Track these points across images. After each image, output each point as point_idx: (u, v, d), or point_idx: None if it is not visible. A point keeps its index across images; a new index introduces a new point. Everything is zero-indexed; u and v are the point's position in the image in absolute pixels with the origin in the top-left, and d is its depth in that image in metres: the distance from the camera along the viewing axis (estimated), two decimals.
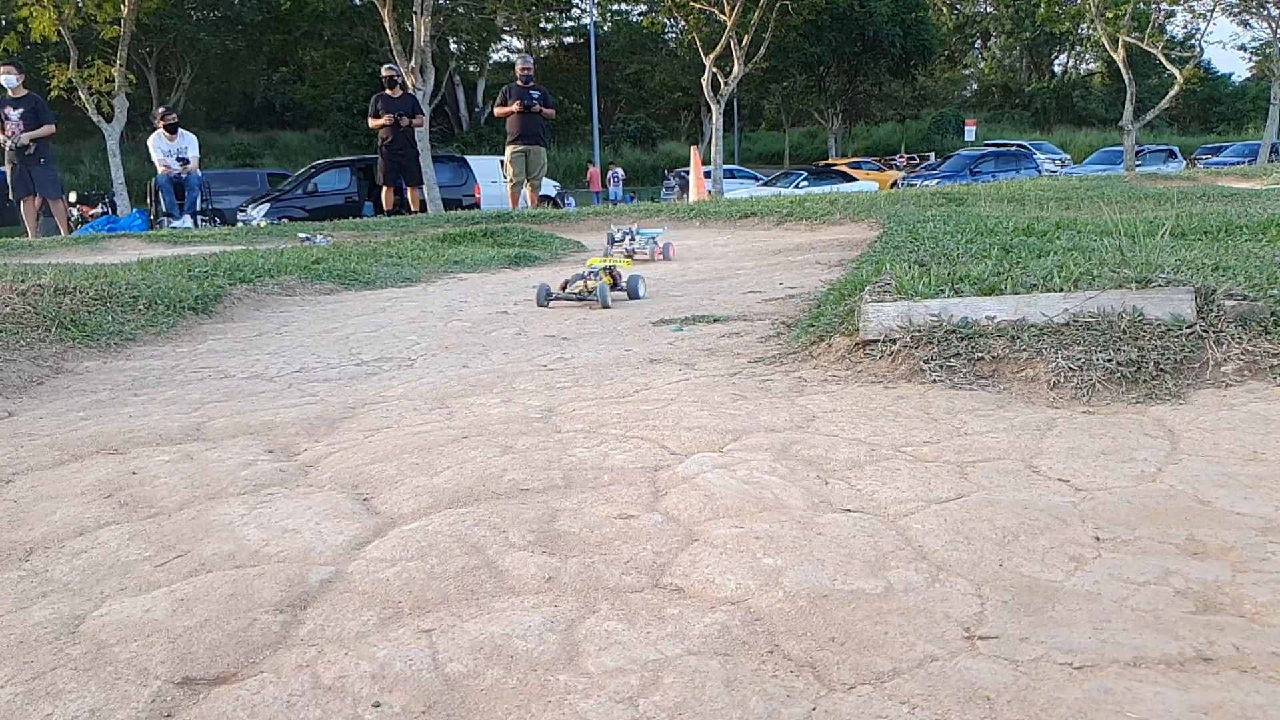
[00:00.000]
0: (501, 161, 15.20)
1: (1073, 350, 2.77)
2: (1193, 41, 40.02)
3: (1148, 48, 24.42)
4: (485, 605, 1.52)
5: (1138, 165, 25.22)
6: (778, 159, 44.46)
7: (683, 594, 1.56)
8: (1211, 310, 2.84)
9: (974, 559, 1.66)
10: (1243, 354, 2.70)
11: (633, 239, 6.19)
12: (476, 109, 41.82)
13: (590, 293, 4.92)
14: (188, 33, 35.36)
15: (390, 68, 13.47)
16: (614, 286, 5.21)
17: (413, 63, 15.45)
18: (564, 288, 5.08)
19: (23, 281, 4.83)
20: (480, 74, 42.53)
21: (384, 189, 13.29)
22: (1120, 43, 23.89)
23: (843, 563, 1.64)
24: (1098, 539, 1.75)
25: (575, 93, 39.87)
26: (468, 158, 21.94)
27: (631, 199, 28.52)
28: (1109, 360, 2.70)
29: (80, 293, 4.84)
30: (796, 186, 24.69)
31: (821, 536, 1.75)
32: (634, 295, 5.26)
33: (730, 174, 28.45)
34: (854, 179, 27.20)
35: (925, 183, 25.23)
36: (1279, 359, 2.68)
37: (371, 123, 13.02)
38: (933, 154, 38.53)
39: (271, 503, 2.06)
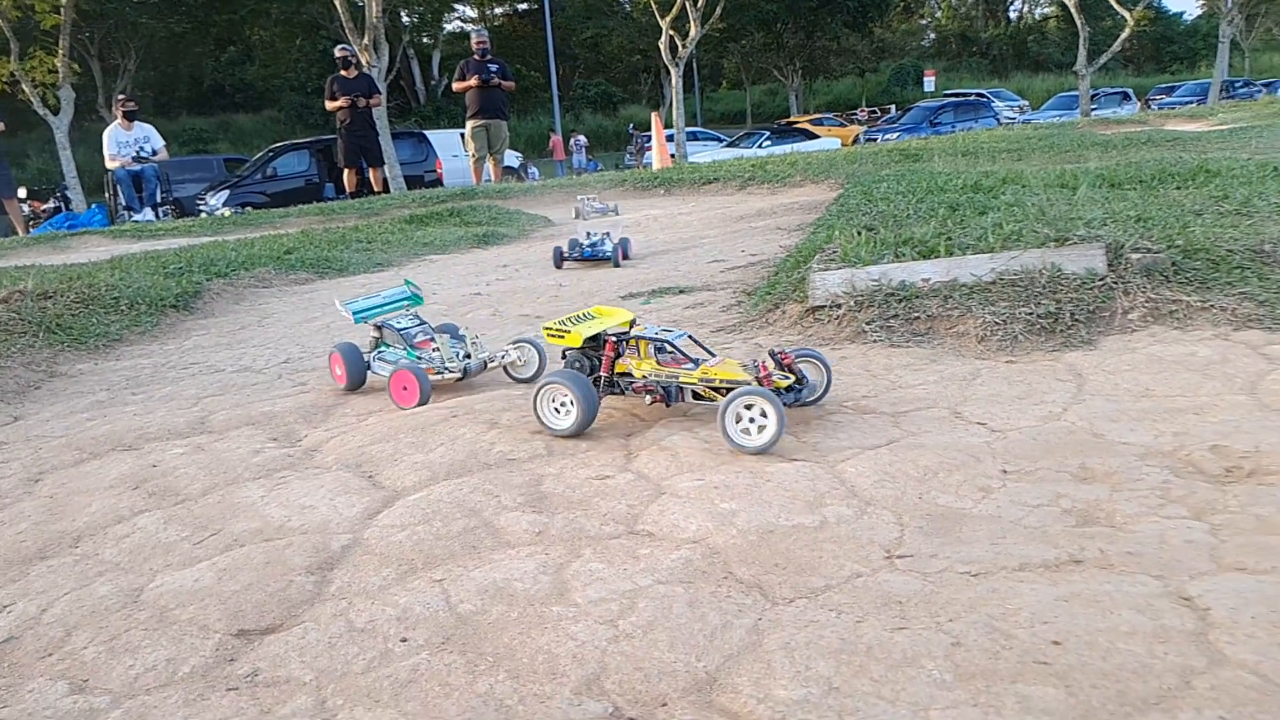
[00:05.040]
0: (462, 136, 15.26)
1: (998, 306, 3.07)
2: None
3: None
4: (486, 557, 1.79)
5: (1093, 109, 25.58)
6: (740, 118, 44.55)
7: (653, 537, 1.84)
8: (1121, 263, 3.14)
9: (898, 494, 1.96)
10: (1146, 302, 3.01)
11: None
12: (433, 82, 41.47)
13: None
14: (130, 17, 34.66)
15: (343, 48, 13.46)
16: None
17: (365, 39, 15.37)
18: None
19: (2, 288, 5.00)
20: (435, 46, 42.12)
21: (346, 171, 13.35)
22: None
23: (787, 503, 1.93)
24: (1005, 472, 2.05)
25: (532, 60, 39.63)
26: (427, 133, 21.84)
27: (597, 167, 28.59)
28: (1030, 314, 3.00)
29: (61, 296, 5.01)
30: (759, 146, 24.85)
31: (770, 483, 2.04)
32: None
33: (693, 136, 28.55)
34: (816, 136, 27.36)
35: (885, 137, 25.47)
36: (1178, 305, 2.99)
37: (329, 105, 13.04)
38: (893, 106, 38.71)
39: (286, 484, 2.31)
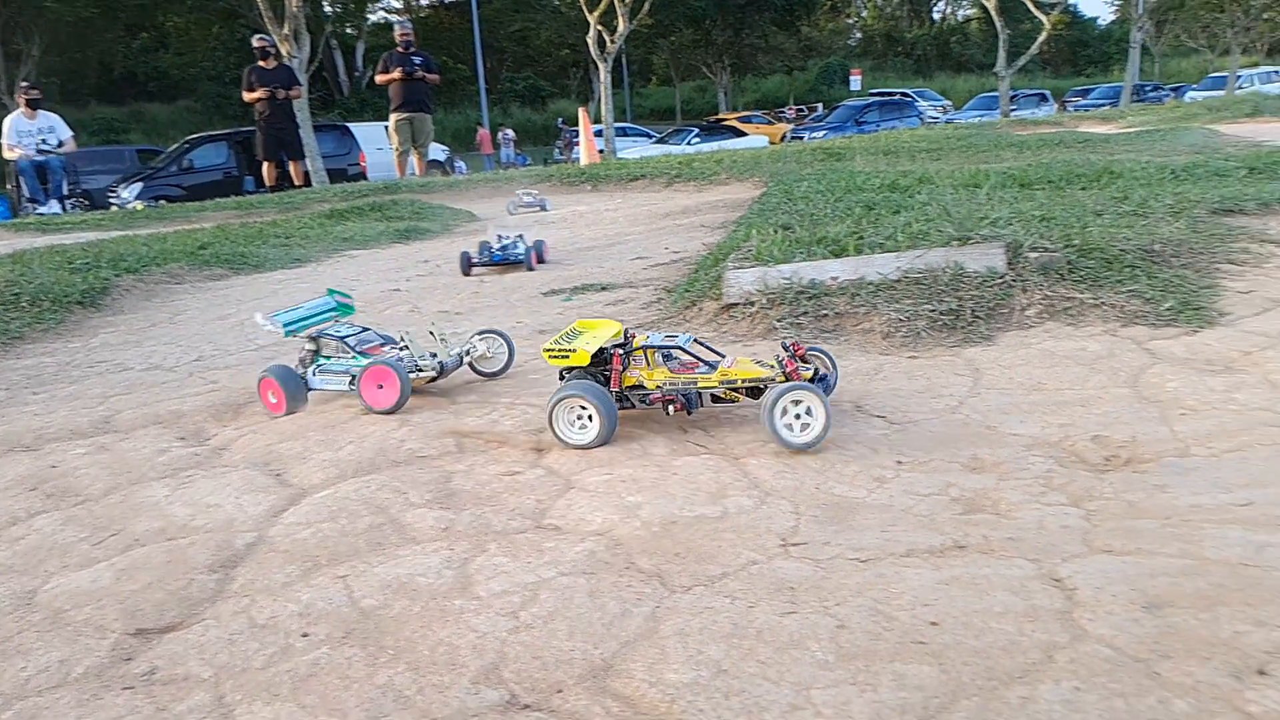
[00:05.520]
0: (387, 129, 15.03)
1: (903, 304, 3.17)
2: None
3: None
4: (391, 553, 1.81)
5: (1013, 110, 26.34)
6: (670, 114, 44.75)
7: (559, 531, 1.88)
8: (1020, 262, 3.28)
9: (797, 485, 2.03)
10: (1043, 299, 3.15)
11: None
12: (357, 73, 40.71)
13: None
14: (34, 0, 33.26)
15: (261, 38, 13.13)
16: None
17: (285, 29, 15.03)
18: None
19: None
20: (359, 36, 41.34)
21: (265, 164, 13.05)
22: None
23: (691, 495, 1.98)
24: (899, 463, 2.14)
25: (459, 53, 39.18)
26: (350, 125, 21.44)
27: (525, 161, 28.42)
28: (932, 311, 3.11)
29: None
30: (688, 143, 25.01)
31: (676, 476, 2.09)
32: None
33: (623, 132, 28.60)
34: (744, 134, 27.65)
35: (812, 135, 25.84)
36: (1072, 302, 3.14)
37: (246, 96, 12.71)
38: (820, 105, 39.31)
39: (191, 483, 2.29)
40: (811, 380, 2.31)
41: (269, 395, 2.89)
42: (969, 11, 58.73)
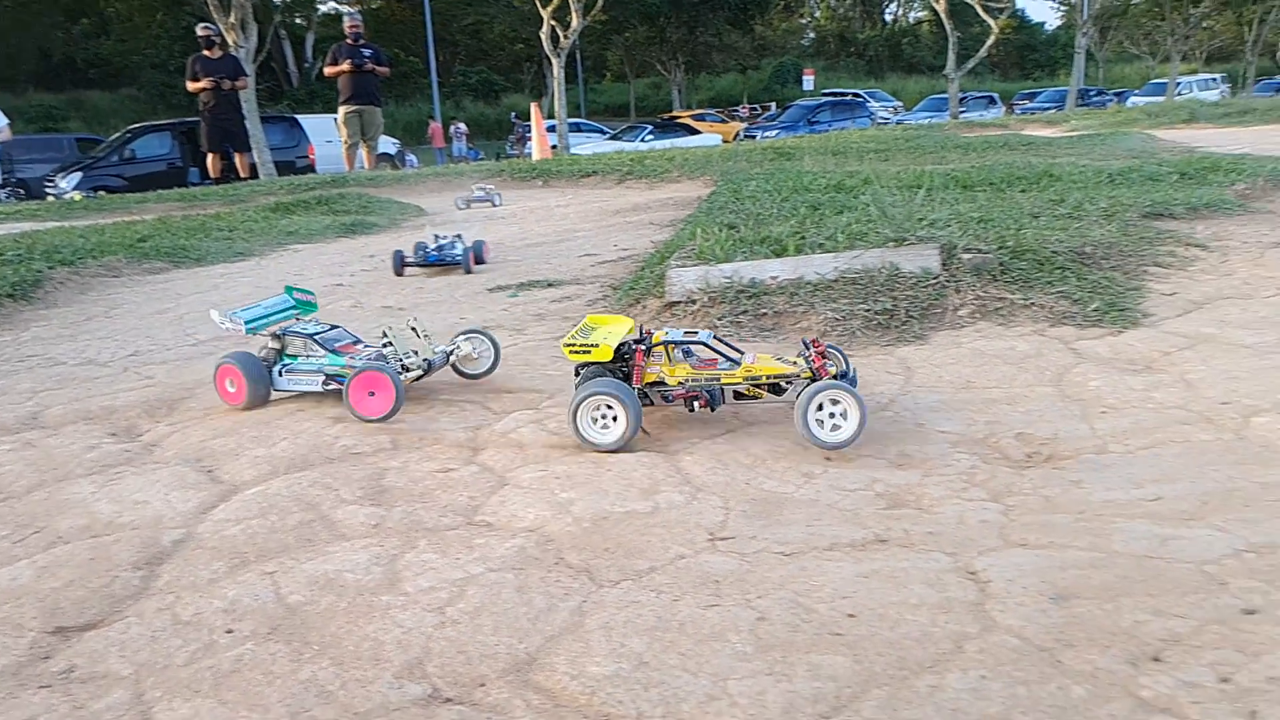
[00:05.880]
0: (336, 121, 14.83)
1: (839, 303, 3.23)
2: None
3: None
4: (320, 550, 1.80)
5: (962, 112, 26.78)
6: (624, 111, 44.72)
7: (491, 527, 1.89)
8: (954, 263, 3.36)
9: (728, 481, 2.06)
10: (975, 299, 3.23)
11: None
12: (306, 64, 40.06)
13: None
14: None
15: (206, 27, 12.87)
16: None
17: (232, 18, 14.75)
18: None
19: None
20: (308, 27, 40.69)
21: (209, 155, 12.81)
22: None
23: (623, 491, 2.00)
24: (828, 459, 2.18)
25: (411, 45, 38.74)
26: (299, 117, 21.09)
27: (478, 155, 28.22)
28: (868, 310, 3.17)
29: None
30: (642, 140, 25.03)
31: (610, 473, 2.11)
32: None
33: (576, 127, 28.53)
34: (698, 132, 27.75)
35: (765, 134, 26.00)
36: (1003, 303, 3.22)
37: (191, 86, 12.46)
38: (774, 104, 39.57)
39: (120, 480, 2.25)
40: (835, 378, 2.30)
41: (227, 384, 2.73)
42: (920, 14, 59.53)
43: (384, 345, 2.75)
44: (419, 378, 2.73)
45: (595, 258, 5.65)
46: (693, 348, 2.42)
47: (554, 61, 21.11)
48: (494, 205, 8.61)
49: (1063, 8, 46.00)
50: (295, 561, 1.75)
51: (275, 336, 2.86)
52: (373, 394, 2.49)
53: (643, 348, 2.37)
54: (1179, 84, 31.97)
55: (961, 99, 28.04)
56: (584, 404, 2.23)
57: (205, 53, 12.46)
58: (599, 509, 1.92)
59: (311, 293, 3.06)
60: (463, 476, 2.14)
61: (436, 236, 5.43)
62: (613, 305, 3.97)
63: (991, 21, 25.10)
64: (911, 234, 3.49)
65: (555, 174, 11.71)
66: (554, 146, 19.17)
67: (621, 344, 2.39)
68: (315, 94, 35.37)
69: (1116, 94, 35.56)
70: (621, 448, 2.23)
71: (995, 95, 36.57)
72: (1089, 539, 1.72)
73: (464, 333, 2.90)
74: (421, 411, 2.62)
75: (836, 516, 1.87)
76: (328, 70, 13.11)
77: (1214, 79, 34.78)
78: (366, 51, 12.87)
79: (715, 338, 2.42)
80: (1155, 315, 3.17)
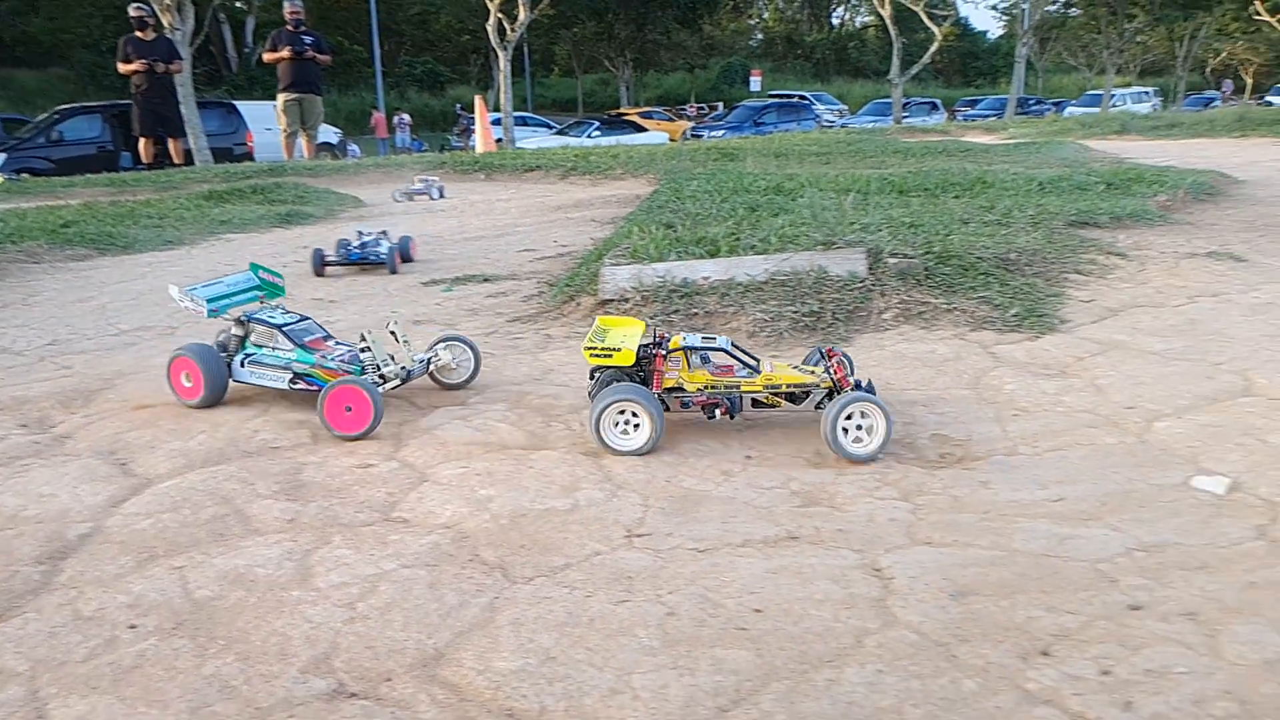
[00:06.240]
0: (275, 109, 14.55)
1: (769, 304, 3.28)
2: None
3: (910, 5, 26.32)
4: (233, 544, 1.78)
5: (905, 117, 27.22)
6: (572, 106, 44.55)
7: (407, 524, 1.88)
8: (880, 267, 3.43)
9: (649, 478, 2.08)
10: (900, 303, 3.30)
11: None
12: (246, 49, 39.18)
13: None
14: None
15: (139, 7, 12.50)
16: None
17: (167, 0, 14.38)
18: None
19: None
20: (249, 11, 39.81)
21: (141, 140, 12.47)
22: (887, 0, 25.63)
23: (543, 488, 2.01)
24: (748, 457, 2.22)
25: (355, 34, 38.12)
26: (238, 103, 20.63)
27: (422, 147, 27.90)
28: (795, 312, 3.22)
29: None
30: (589, 136, 24.99)
31: (531, 470, 2.12)
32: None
33: (523, 121, 28.35)
34: (645, 129, 27.78)
35: (712, 134, 26.14)
36: (926, 306, 3.30)
37: (122, 68, 12.11)
38: (721, 104, 39.78)
39: (27, 472, 2.20)
40: (858, 385, 2.31)
41: (182, 378, 2.56)
42: (866, 19, 60.35)
43: (361, 350, 2.55)
44: (397, 387, 2.57)
45: (534, 253, 5.64)
46: (709, 354, 2.40)
47: (500, 54, 20.95)
48: (432, 199, 8.52)
49: (1004, 18, 47.03)
50: (206, 556, 1.73)
51: (239, 322, 2.65)
52: (349, 409, 2.33)
53: (662, 353, 2.35)
54: (1114, 96, 32.93)
55: (905, 104, 28.53)
56: (607, 410, 2.19)
57: (138, 34, 12.12)
58: (518, 506, 1.93)
59: (279, 274, 2.85)
60: (382, 472, 2.13)
61: (360, 233, 5.15)
62: (546, 303, 3.97)
63: (935, 29, 25.56)
64: (840, 238, 3.55)
65: (498, 168, 11.64)
66: (499, 140, 19.04)
67: (639, 347, 2.36)
68: (255, 80, 34.61)
69: (1055, 103, 36.45)
70: (646, 454, 2.20)
71: (938, 101, 37.22)
72: (991, 538, 1.78)
73: (443, 339, 2.74)
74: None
75: (752, 514, 1.91)
76: (267, 57, 12.85)
77: (1147, 92, 35.90)
78: (308, 39, 12.65)
79: (733, 344, 2.41)
80: (1072, 321, 3.27)
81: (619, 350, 2.30)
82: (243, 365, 2.62)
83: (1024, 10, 30.78)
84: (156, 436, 2.38)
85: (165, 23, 14.05)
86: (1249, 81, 42.81)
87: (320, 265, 4.95)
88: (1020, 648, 1.42)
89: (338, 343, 2.68)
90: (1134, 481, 2.04)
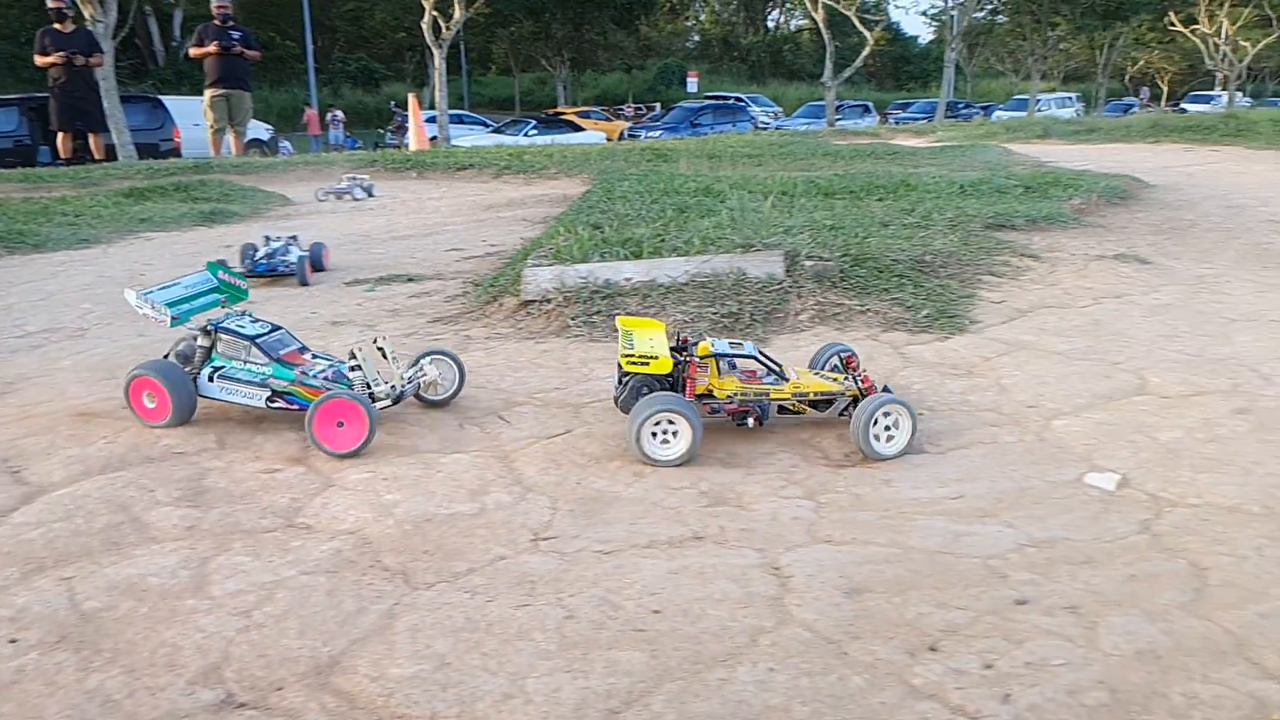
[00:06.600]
0: (203, 105, 14.19)
1: (689, 305, 3.30)
2: (883, 4, 44.18)
3: (843, 10, 26.72)
4: (127, 553, 1.74)
5: (838, 119, 27.61)
6: (509, 104, 44.25)
7: (310, 530, 1.86)
8: (797, 269, 3.48)
9: (559, 480, 2.09)
10: (816, 305, 3.36)
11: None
12: (174, 43, 38.12)
13: None
14: None
15: None
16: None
17: None
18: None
19: None
20: (176, 4, 38.75)
21: (59, 134, 12.07)
22: (819, 3, 25.98)
23: (451, 492, 2.01)
24: None
25: (288, 29, 37.34)
26: (164, 98, 20.07)
27: (356, 144, 27.48)
28: (714, 313, 3.26)
29: None
30: (525, 135, 24.86)
31: (439, 474, 2.11)
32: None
33: (459, 119, 28.09)
34: (582, 129, 27.73)
35: (649, 134, 26.21)
36: (841, 308, 3.36)
37: (40, 61, 11.70)
38: (659, 104, 39.91)
39: None
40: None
41: (144, 399, 2.36)
42: (801, 22, 61.03)
43: (351, 369, 2.40)
44: (387, 407, 2.40)
45: (462, 253, 5.60)
46: (735, 360, 2.40)
47: (435, 52, 20.72)
48: (355, 199, 8.36)
49: (934, 24, 48.00)
50: (97, 566, 1.69)
51: (205, 331, 2.44)
52: (341, 424, 2.19)
53: (695, 360, 2.33)
54: (1039, 101, 33.85)
55: (839, 107, 28.94)
56: (648, 420, 2.16)
57: (56, 26, 11.73)
58: (423, 511, 1.92)
59: (243, 276, 2.65)
60: (287, 478, 2.10)
61: (268, 238, 4.71)
62: (471, 303, 3.94)
63: (867, 33, 25.97)
64: (759, 241, 3.60)
65: (430, 166, 11.52)
66: (434, 138, 18.84)
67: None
68: (184, 74, 33.69)
69: (983, 108, 37.30)
70: (684, 463, 2.18)
71: (870, 104, 37.83)
72: (890, 535, 1.83)
73: (427, 354, 2.59)
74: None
75: (660, 515, 1.92)
76: (193, 52, 12.55)
77: (1070, 97, 36.99)
78: (235, 34, 12.38)
79: (759, 350, 2.42)
80: (982, 322, 3.36)
81: (656, 358, 2.27)
82: (211, 380, 2.40)
83: (953, 17, 31.46)
84: (54, 443, 2.31)
85: (86, 15, 13.61)
86: (1164, 89, 44.41)
87: None
88: (909, 644, 1.46)
89: (315, 355, 2.51)
90: (1030, 479, 2.11)
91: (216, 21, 12.32)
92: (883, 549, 1.77)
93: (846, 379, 2.43)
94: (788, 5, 58.92)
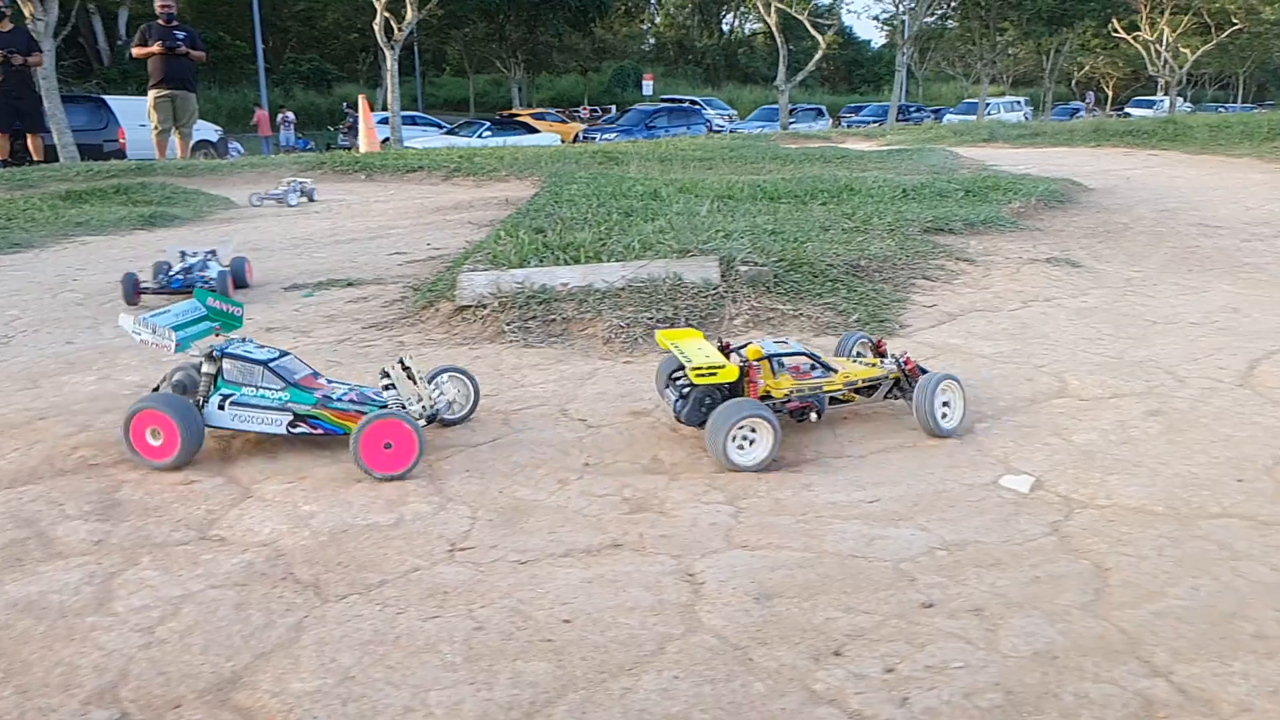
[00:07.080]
0: (147, 105, 13.92)
1: (625, 310, 3.32)
2: (835, 8, 44.61)
3: (795, 14, 26.95)
4: (30, 570, 1.71)
5: (792, 123, 27.85)
6: (464, 106, 43.99)
7: (224, 542, 1.84)
8: (732, 274, 3.51)
9: (481, 489, 2.08)
10: (750, 309, 3.39)
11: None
12: (120, 42, 37.34)
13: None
14: None
15: None
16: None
17: None
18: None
19: None
20: (121, 3, 38.00)
21: None
22: (772, 8, 26.18)
23: (369, 503, 1.99)
24: (586, 465, 2.24)
25: (238, 29, 36.78)
26: (109, 98, 19.66)
27: (308, 145, 27.16)
28: (650, 318, 3.27)
29: None
30: (479, 136, 24.74)
31: (360, 484, 2.09)
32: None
33: (412, 120, 27.87)
34: (536, 130, 27.67)
35: (604, 136, 26.24)
36: (775, 313, 3.39)
37: None
38: (614, 106, 39.94)
39: None
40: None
41: (148, 436, 2.16)
42: (755, 26, 61.44)
43: (385, 388, 2.32)
44: (423, 428, 2.28)
45: (405, 256, 5.56)
46: (785, 359, 2.43)
47: (388, 54, 20.54)
48: (289, 205, 8.20)
49: (886, 28, 48.59)
50: None
51: (210, 357, 2.29)
52: (389, 445, 2.11)
53: (753, 364, 2.35)
54: (989, 105, 34.44)
55: (792, 110, 29.19)
56: (734, 428, 2.17)
57: None
58: (340, 522, 1.91)
59: (239, 305, 2.52)
60: (205, 489, 2.07)
61: (183, 254, 4.35)
62: (409, 307, 3.92)
63: (819, 37, 26.21)
64: (696, 246, 3.62)
65: (379, 168, 11.42)
66: (386, 140, 18.68)
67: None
68: (129, 74, 33.01)
69: (934, 111, 37.88)
70: (765, 469, 2.20)
71: (823, 108, 38.22)
72: (804, 539, 1.85)
73: (442, 370, 2.50)
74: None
75: (580, 523, 1.93)
76: (136, 51, 12.32)
77: (1019, 101, 37.68)
78: (180, 34, 12.19)
79: (803, 349, 2.47)
80: (911, 326, 3.42)
81: (722, 366, 2.26)
82: (221, 407, 2.26)
83: (904, 21, 31.88)
84: None
85: (26, 13, 13.29)
86: (1109, 94, 45.44)
87: (133, 293, 4.12)
88: (814, 649, 1.48)
89: (330, 381, 2.40)
90: (947, 482, 2.15)
91: (160, 21, 12.12)
92: (796, 553, 1.79)
93: (885, 363, 2.54)
94: (742, 9, 59.29)
